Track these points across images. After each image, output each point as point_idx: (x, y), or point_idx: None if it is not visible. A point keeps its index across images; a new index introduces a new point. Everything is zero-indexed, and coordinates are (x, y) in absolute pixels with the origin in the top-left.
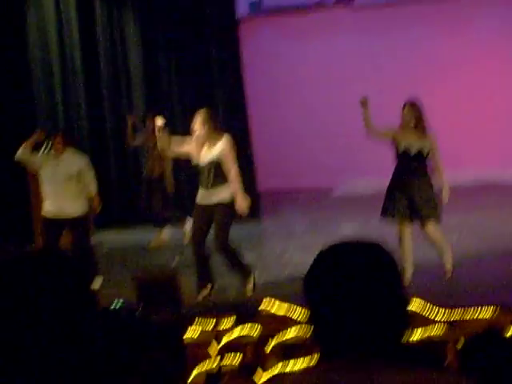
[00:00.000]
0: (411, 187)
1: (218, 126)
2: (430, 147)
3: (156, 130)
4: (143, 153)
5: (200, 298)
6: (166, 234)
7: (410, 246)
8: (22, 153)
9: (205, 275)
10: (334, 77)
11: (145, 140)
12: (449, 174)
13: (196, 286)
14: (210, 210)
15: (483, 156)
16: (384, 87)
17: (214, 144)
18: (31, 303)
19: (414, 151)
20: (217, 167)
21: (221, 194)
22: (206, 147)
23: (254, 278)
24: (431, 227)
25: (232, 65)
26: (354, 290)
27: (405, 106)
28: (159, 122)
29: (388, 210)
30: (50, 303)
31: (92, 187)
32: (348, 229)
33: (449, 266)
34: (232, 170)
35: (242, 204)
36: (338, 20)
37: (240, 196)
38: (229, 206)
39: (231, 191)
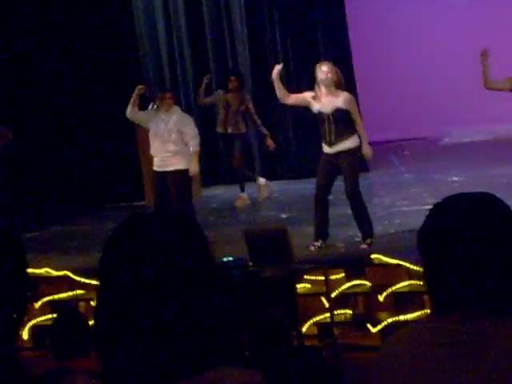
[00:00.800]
0: None
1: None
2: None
3: (276, 73)
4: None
5: (313, 248)
6: (264, 187)
7: None
8: (130, 111)
9: (323, 226)
10: (449, 25)
11: (222, 98)
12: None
13: (313, 235)
14: (336, 159)
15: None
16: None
17: (337, 96)
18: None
19: None
20: (343, 115)
21: (347, 143)
22: (329, 97)
23: (373, 238)
24: None
25: (338, 12)
26: (471, 243)
27: None
28: (278, 68)
29: None
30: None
31: (192, 145)
32: (457, 177)
33: None
34: (358, 119)
35: (369, 151)
36: None
37: (366, 143)
38: (355, 154)
39: (357, 140)
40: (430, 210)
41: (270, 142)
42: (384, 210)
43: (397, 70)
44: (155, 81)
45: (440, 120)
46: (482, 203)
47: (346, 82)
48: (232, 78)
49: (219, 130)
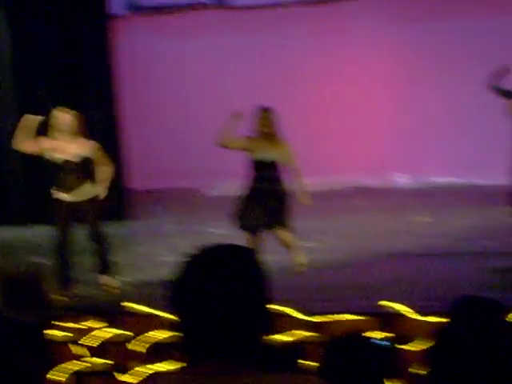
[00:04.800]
0: (265, 195)
1: None
2: (284, 154)
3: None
4: None
5: (65, 294)
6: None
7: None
8: None
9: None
10: (212, 76)
11: None
12: (319, 178)
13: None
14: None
15: (356, 160)
16: (256, 88)
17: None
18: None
19: (267, 159)
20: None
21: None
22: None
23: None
24: (284, 233)
25: (104, 63)
26: (220, 295)
27: (259, 112)
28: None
29: (242, 220)
30: None
31: None
32: (218, 230)
33: (302, 259)
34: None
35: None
36: (215, 20)
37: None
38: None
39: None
40: (183, 260)
41: None
42: (144, 259)
43: (165, 121)
44: None
45: (205, 172)
46: (232, 255)
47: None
48: None
49: None
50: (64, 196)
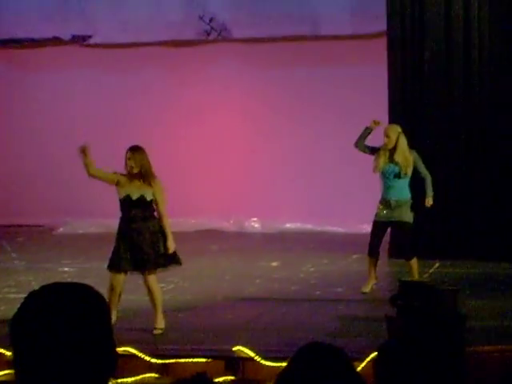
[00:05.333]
0: (135, 235)
1: None
2: (153, 194)
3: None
4: None
5: None
6: None
7: (120, 293)
8: None
9: None
10: (65, 112)
11: None
12: (172, 220)
13: None
14: None
15: (208, 203)
16: (114, 127)
17: None
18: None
19: (135, 197)
20: None
21: None
22: None
23: None
24: (152, 277)
25: None
26: (59, 334)
27: (127, 152)
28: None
29: (116, 264)
30: None
31: None
32: (68, 268)
33: (161, 325)
34: None
35: None
36: (73, 56)
37: None
38: None
39: None
40: (25, 297)
41: None
42: None
43: (16, 156)
44: None
45: (56, 209)
46: (75, 294)
47: None
48: None
49: None
50: None
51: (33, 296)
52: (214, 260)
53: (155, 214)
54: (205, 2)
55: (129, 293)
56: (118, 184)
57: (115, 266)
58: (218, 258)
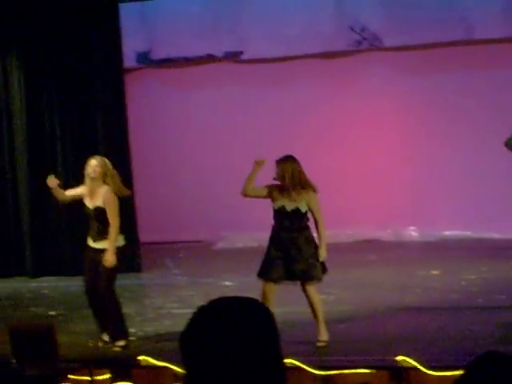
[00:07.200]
0: (289, 246)
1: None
2: (308, 204)
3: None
4: None
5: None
6: None
7: (274, 304)
8: None
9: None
10: (220, 128)
11: None
12: (330, 231)
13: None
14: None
15: (366, 213)
16: (271, 140)
17: (99, 193)
18: None
19: (290, 208)
20: (102, 213)
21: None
22: (94, 193)
23: (128, 342)
24: (311, 288)
25: (117, 113)
26: (229, 349)
27: (277, 162)
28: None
29: (266, 272)
30: None
31: None
32: (228, 282)
33: (325, 337)
34: (112, 218)
35: (110, 258)
36: (226, 72)
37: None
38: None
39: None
40: (194, 312)
41: None
42: (154, 312)
43: (173, 174)
44: None
45: (214, 224)
46: (243, 308)
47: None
48: None
49: None
50: (90, 243)
51: (202, 311)
52: (372, 270)
53: (308, 223)
54: (356, 12)
55: (287, 304)
56: (271, 196)
57: (264, 273)
58: (376, 268)
